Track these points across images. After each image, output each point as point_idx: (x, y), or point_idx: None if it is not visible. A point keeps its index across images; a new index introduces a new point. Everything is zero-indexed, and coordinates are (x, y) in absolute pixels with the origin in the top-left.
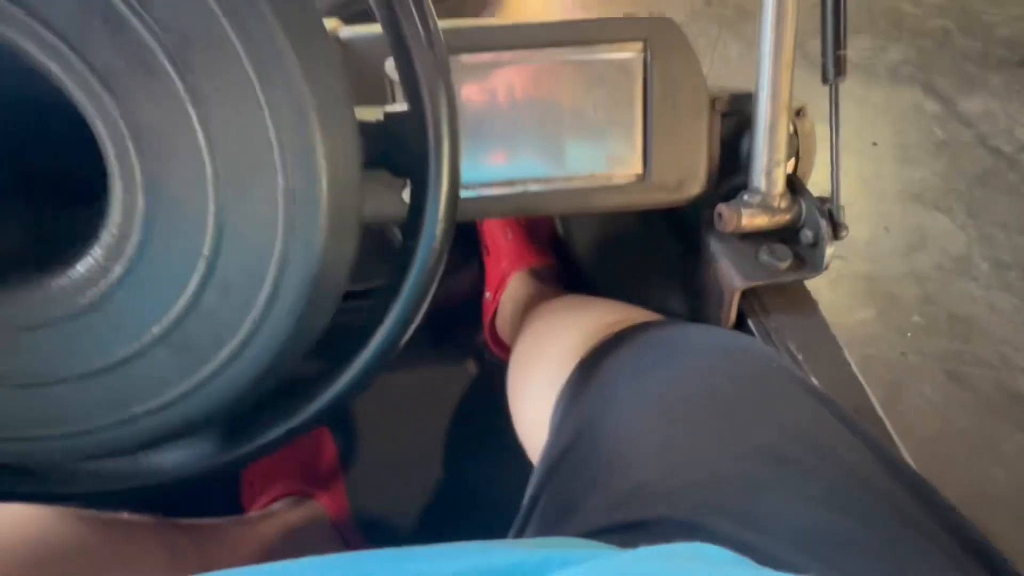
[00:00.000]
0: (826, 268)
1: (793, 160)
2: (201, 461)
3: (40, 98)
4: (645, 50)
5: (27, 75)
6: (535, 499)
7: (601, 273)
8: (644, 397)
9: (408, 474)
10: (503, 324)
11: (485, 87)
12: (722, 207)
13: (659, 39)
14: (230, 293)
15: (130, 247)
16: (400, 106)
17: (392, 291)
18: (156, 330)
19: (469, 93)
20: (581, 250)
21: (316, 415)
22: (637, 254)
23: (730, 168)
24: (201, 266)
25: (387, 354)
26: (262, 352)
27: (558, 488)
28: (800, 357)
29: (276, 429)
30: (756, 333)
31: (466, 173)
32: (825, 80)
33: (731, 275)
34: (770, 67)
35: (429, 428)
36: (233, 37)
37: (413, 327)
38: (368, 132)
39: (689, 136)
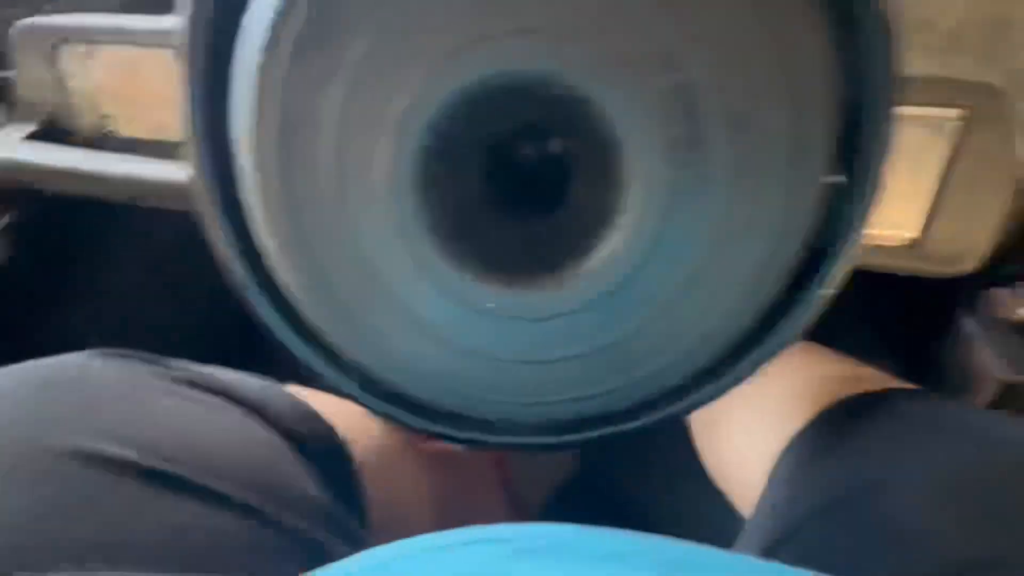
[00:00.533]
0: None
1: None
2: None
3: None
4: (965, 117)
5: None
6: (775, 546)
7: (829, 319)
8: (932, 472)
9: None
10: None
11: None
12: (997, 292)
13: (983, 107)
14: (722, 269)
15: (636, 250)
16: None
17: None
18: (629, 330)
19: None
20: None
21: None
22: (854, 311)
23: (1015, 253)
24: (677, 287)
25: None
26: (699, 356)
27: (800, 554)
28: None
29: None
30: None
31: None
32: None
33: (992, 363)
34: None
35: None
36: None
37: None
38: None
39: (983, 212)
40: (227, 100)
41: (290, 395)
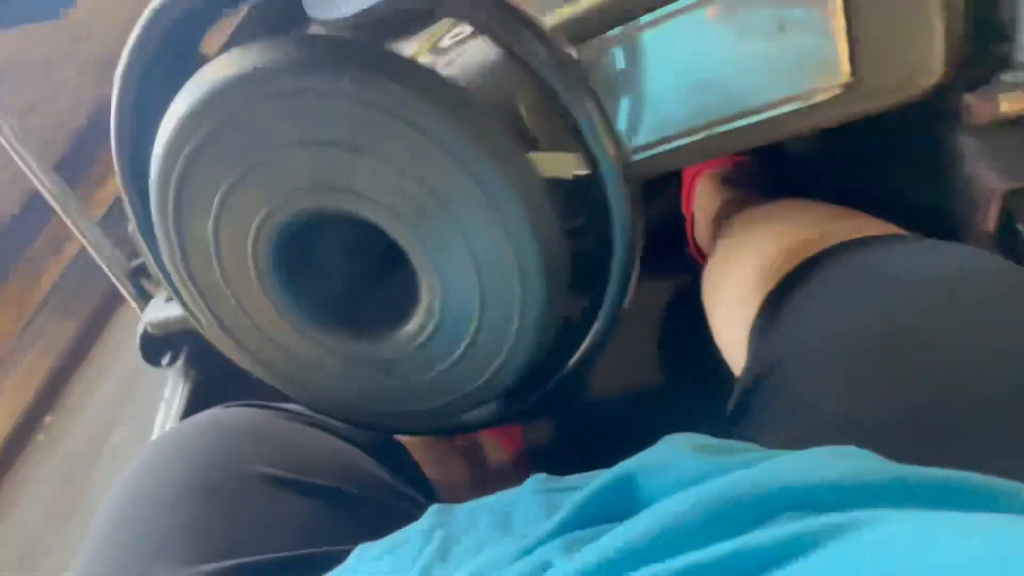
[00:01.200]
0: None
1: None
2: (492, 417)
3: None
4: None
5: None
6: (729, 429)
7: (808, 167)
8: (830, 335)
9: (613, 393)
10: (700, 236)
11: (639, 54)
12: (969, 98)
13: None
14: (492, 334)
15: (432, 319)
16: (583, 170)
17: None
18: (454, 357)
19: (625, 68)
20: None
21: (561, 381)
22: (853, 144)
23: (981, 45)
24: (474, 323)
25: (602, 340)
26: (521, 354)
27: (745, 423)
28: None
29: (534, 394)
30: None
31: (641, 133)
32: None
33: (988, 176)
34: None
35: (638, 349)
36: (476, 188)
37: (615, 320)
38: (558, 186)
39: (913, 17)
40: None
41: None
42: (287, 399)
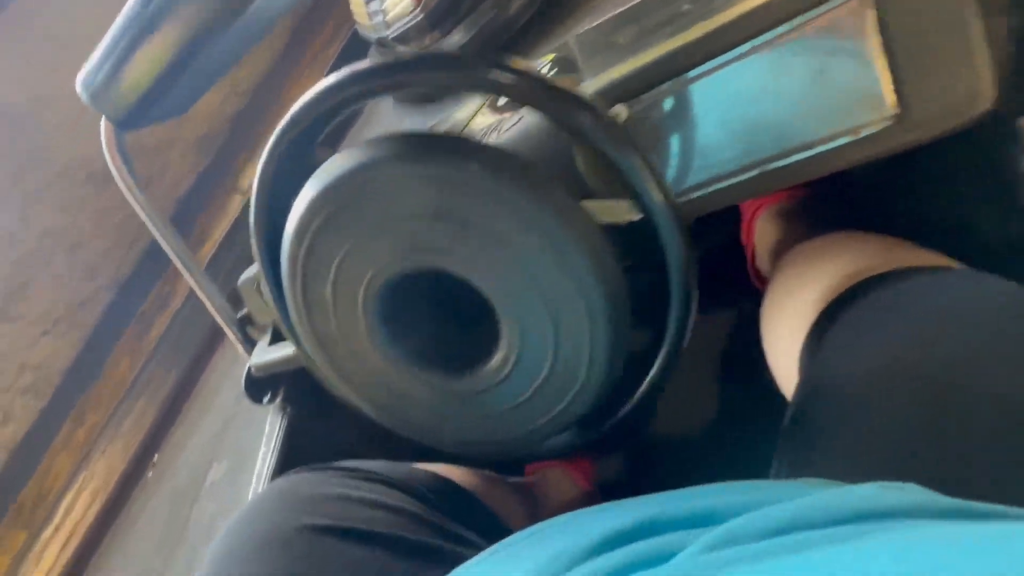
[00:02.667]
0: None
1: None
2: (565, 446)
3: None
4: None
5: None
6: (781, 454)
7: (868, 198)
8: (857, 364)
9: (682, 421)
10: (762, 267)
11: (688, 102)
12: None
13: None
14: (566, 368)
15: (513, 356)
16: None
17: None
18: (532, 390)
19: (674, 114)
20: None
21: (629, 412)
22: (912, 174)
23: None
24: (550, 357)
25: (666, 370)
26: (594, 384)
27: (794, 445)
28: None
29: (603, 424)
30: None
31: (693, 173)
32: None
33: None
34: None
35: (700, 376)
36: (545, 241)
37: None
38: (616, 230)
39: (953, 46)
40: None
41: (418, 468)
42: (362, 447)
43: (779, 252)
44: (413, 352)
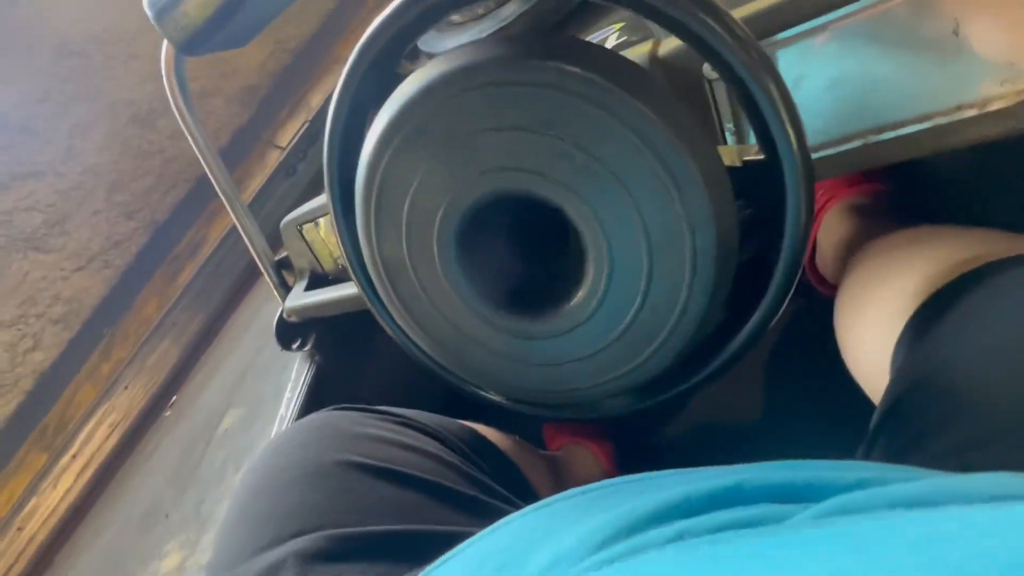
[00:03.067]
0: None
1: None
2: (628, 406)
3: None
4: None
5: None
6: (873, 441)
7: (948, 197)
8: (1009, 339)
9: (719, 415)
10: (823, 263)
11: (795, 63)
12: None
13: None
14: (653, 317)
15: (596, 297)
16: (756, 155)
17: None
18: (614, 334)
19: (788, 72)
20: (923, 169)
21: (718, 369)
22: (996, 175)
23: None
24: (639, 300)
25: (754, 338)
26: (678, 340)
27: (897, 428)
28: None
29: (675, 388)
30: None
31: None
32: None
33: None
34: None
35: (748, 371)
36: (661, 170)
37: (788, 296)
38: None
39: None
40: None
41: (457, 423)
42: (390, 398)
43: (852, 247)
44: (486, 288)
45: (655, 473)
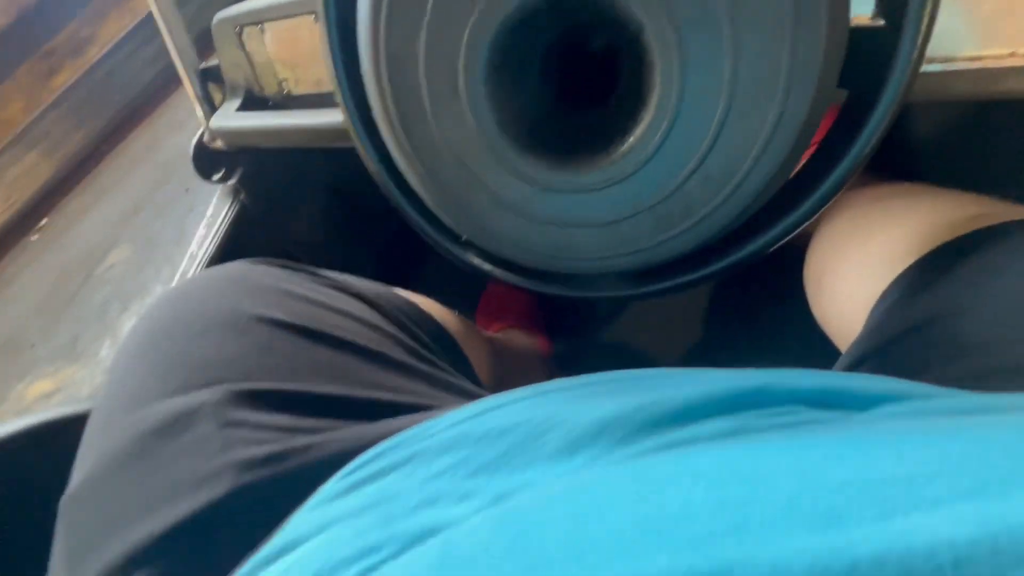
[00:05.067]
0: None
1: None
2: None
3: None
4: None
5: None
6: (861, 359)
7: (939, 162)
8: (1009, 296)
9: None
10: None
11: None
12: None
13: None
14: (728, 157)
15: (661, 128)
16: (870, 22)
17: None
18: (676, 181)
19: None
20: (912, 132)
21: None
22: (981, 138)
23: None
24: (711, 137)
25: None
26: (743, 198)
27: (884, 366)
28: None
29: (722, 262)
30: None
31: None
32: None
33: None
34: None
35: (698, 308)
36: None
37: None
38: None
39: None
40: (355, 50)
41: (396, 293)
42: (322, 258)
43: None
44: (511, 123)
45: (652, 371)
